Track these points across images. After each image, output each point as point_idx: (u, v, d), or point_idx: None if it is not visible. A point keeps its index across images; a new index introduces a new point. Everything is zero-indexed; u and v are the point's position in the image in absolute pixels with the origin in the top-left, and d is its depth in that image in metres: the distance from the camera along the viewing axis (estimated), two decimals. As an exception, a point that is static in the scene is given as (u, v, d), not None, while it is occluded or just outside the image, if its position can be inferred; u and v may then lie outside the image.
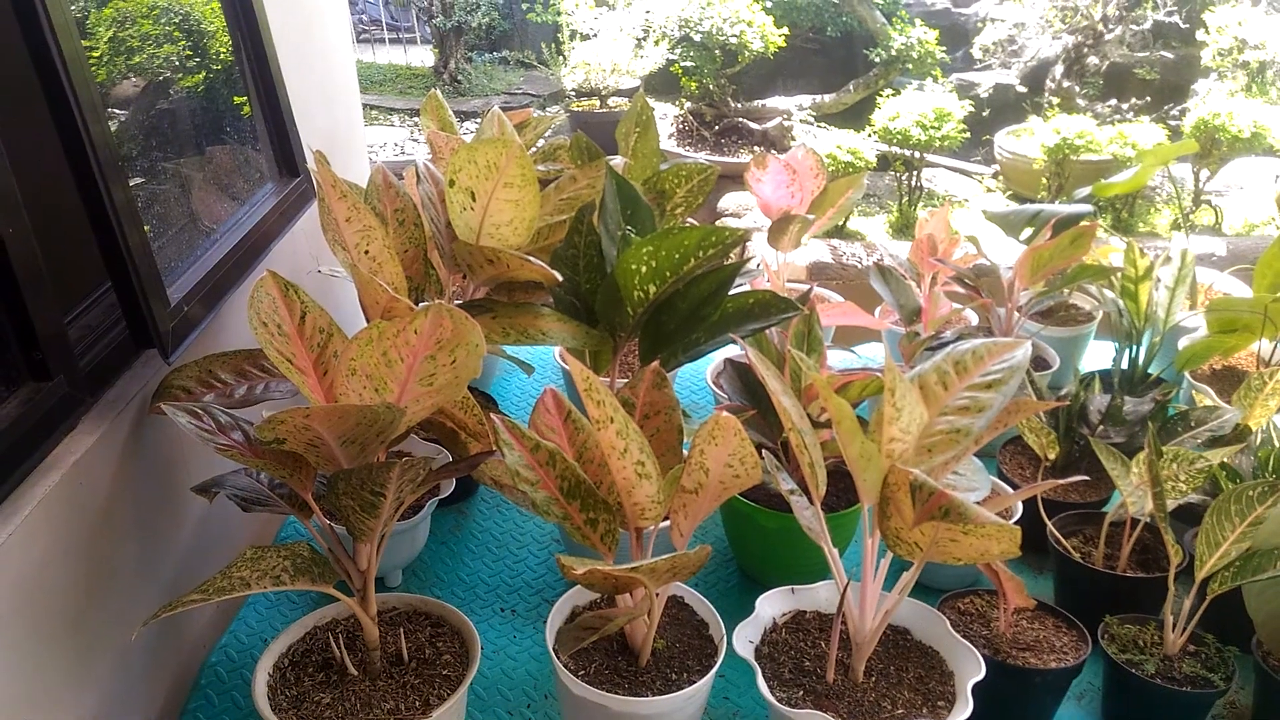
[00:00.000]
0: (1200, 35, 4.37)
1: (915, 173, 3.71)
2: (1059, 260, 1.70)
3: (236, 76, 1.71)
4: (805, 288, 2.21)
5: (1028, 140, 3.78)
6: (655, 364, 1.18)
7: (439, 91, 1.90)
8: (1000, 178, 4.05)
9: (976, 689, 1.16)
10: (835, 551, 1.08)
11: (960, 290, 1.85)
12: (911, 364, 1.69)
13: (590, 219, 1.42)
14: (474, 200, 1.32)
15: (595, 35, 4.74)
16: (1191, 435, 1.51)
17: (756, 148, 4.23)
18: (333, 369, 1.02)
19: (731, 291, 1.36)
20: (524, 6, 5.52)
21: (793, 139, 4.17)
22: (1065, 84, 4.04)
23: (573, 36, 4.82)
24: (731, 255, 1.39)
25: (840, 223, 3.74)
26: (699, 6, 4.09)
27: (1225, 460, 1.43)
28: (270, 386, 1.24)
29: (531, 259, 1.31)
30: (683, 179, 1.67)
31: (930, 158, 4.06)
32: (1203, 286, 2.06)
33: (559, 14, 4.94)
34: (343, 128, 2.21)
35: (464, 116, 5.15)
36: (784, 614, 1.20)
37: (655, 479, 0.99)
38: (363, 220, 1.24)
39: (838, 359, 2.04)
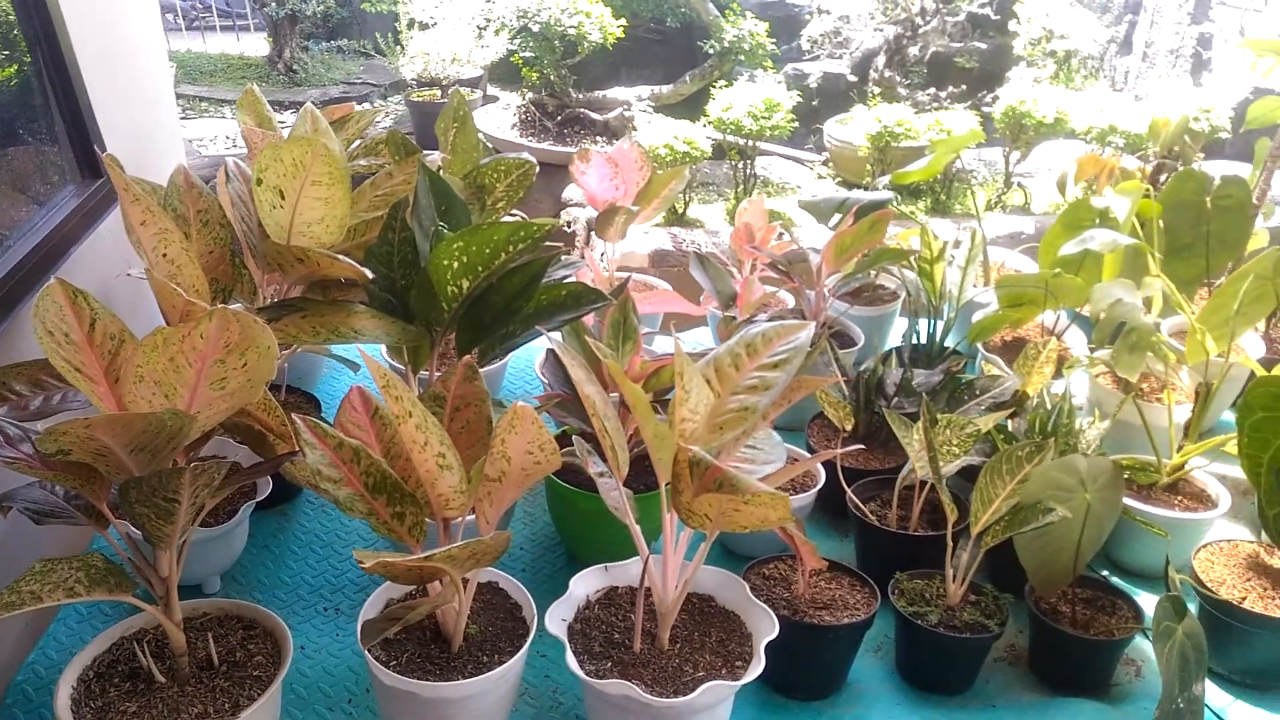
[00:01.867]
0: (1012, 26, 4.66)
1: (750, 161, 3.84)
2: (860, 245, 1.82)
3: (30, 74, 1.64)
4: (645, 276, 2.28)
5: (853, 128, 3.96)
6: (467, 358, 1.21)
7: (256, 86, 1.86)
8: (831, 164, 4.22)
9: (779, 647, 1.25)
10: (638, 528, 1.14)
11: (775, 275, 1.95)
12: (728, 347, 1.78)
13: (404, 215, 1.44)
14: (283, 199, 1.32)
15: (435, 24, 4.69)
16: (976, 403, 1.65)
17: (599, 138, 4.28)
18: (124, 376, 1.01)
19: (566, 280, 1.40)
20: (361, -6, 5.40)
21: (634, 129, 4.24)
22: (887, 74, 4.25)
23: (411, 25, 4.75)
24: (571, 247, 1.43)
25: (680, 210, 3.84)
26: (536, -3, 4.11)
27: (1006, 424, 1.57)
28: (68, 396, 1.21)
29: (341, 257, 1.32)
30: (502, 173, 1.70)
31: (764, 146, 4.20)
32: (996, 264, 2.22)
33: (396, 2, 4.86)
34: (155, 125, 2.14)
35: (299, 108, 5.01)
36: (598, 591, 1.26)
37: (457, 469, 1.02)
38: (159, 223, 1.22)
39: (668, 344, 2.11)
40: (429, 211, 1.42)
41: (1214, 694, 1.33)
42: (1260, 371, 1.47)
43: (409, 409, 1.01)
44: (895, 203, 3.91)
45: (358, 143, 1.83)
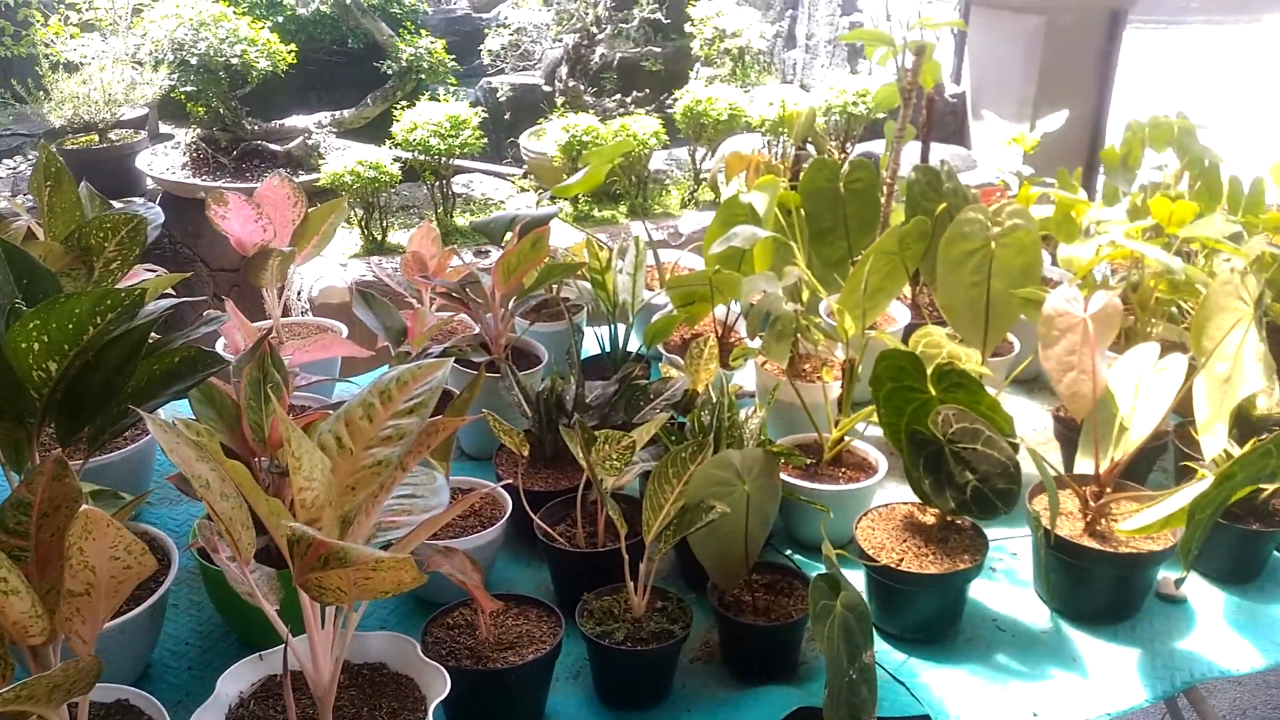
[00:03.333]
0: (688, 28, 4.85)
1: (446, 180, 3.76)
2: (526, 264, 1.79)
3: None
4: (323, 319, 2.14)
5: (546, 140, 3.97)
6: (56, 453, 1.06)
7: None
8: (531, 177, 4.22)
9: (465, 701, 1.19)
10: (274, 610, 1.04)
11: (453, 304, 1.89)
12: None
13: (-18, 294, 1.25)
14: None
15: (84, 63, 4.25)
16: (652, 406, 1.67)
17: (282, 169, 4.05)
18: None
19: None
20: (-8, 37, 4.82)
21: (321, 157, 4.04)
22: (571, 83, 4.30)
23: (55, 67, 4.29)
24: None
25: (379, 238, 3.70)
26: (191, 28, 3.82)
27: (684, 424, 1.59)
28: None
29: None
30: (109, 231, 1.52)
31: (463, 163, 4.13)
32: (670, 264, 2.28)
33: (33, 45, 4.37)
34: None
35: (-68, 167, 4.40)
36: (252, 684, 1.14)
37: (25, 592, 0.89)
38: None
39: (344, 390, 2.00)
40: (6, 287, 1.24)
41: (888, 656, 1.40)
42: (894, 344, 1.57)
43: (-45, 531, 0.86)
44: (573, 209, 3.96)
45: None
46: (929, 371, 1.35)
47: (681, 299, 1.98)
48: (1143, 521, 1.31)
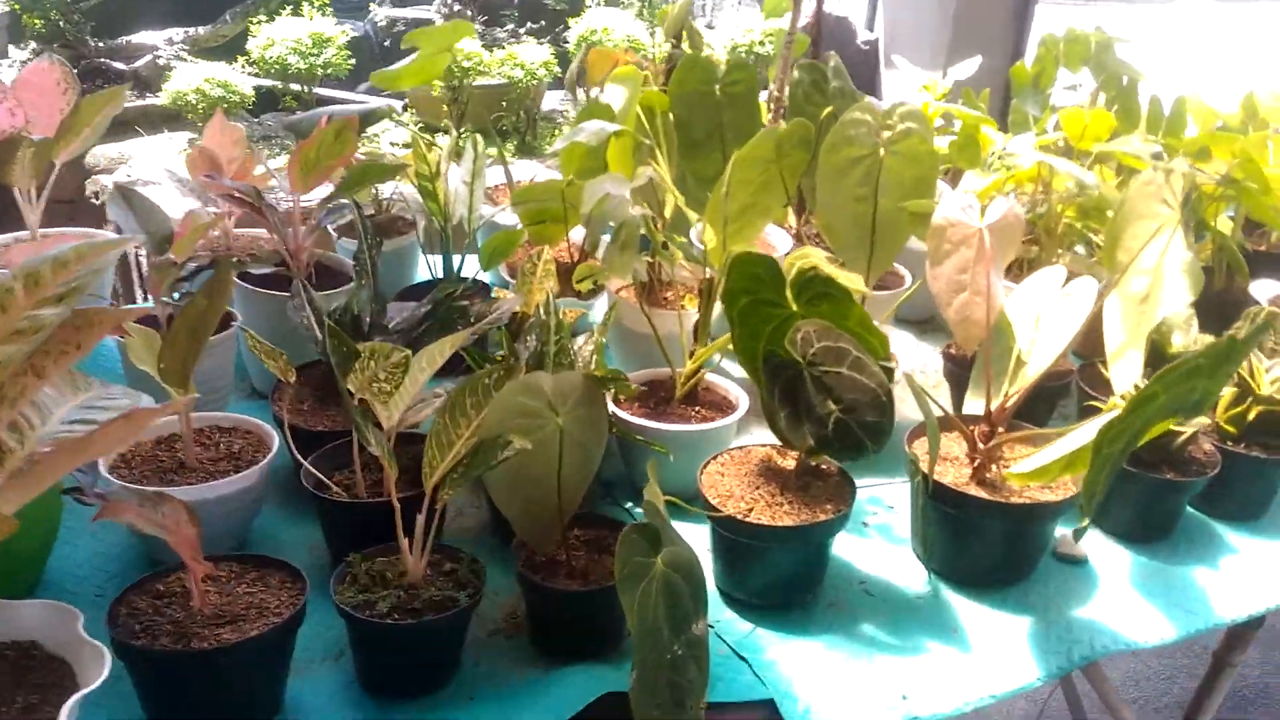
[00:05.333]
0: (593, -36, 4.53)
1: (307, 108, 3.38)
2: (329, 159, 1.48)
3: None
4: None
5: (426, 67, 3.62)
6: None
7: None
8: (411, 110, 3.86)
9: (162, 693, 0.90)
10: None
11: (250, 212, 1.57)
12: (164, 298, 1.38)
13: None
14: None
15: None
16: (472, 330, 1.38)
17: (130, 90, 3.63)
18: None
19: None
20: None
21: (169, 76, 3.63)
22: (456, 7, 3.95)
23: None
24: None
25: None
26: (21, -75, 3.37)
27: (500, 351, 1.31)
28: None
29: None
30: None
31: (333, 93, 3.76)
32: (522, 181, 1.98)
33: None
34: None
35: None
36: None
37: None
38: None
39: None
40: None
41: (733, 626, 1.15)
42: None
43: None
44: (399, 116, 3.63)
45: None
46: (788, 280, 1.09)
47: (530, 216, 1.69)
48: (1039, 462, 1.07)
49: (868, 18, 4.54)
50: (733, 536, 1.14)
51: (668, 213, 1.55)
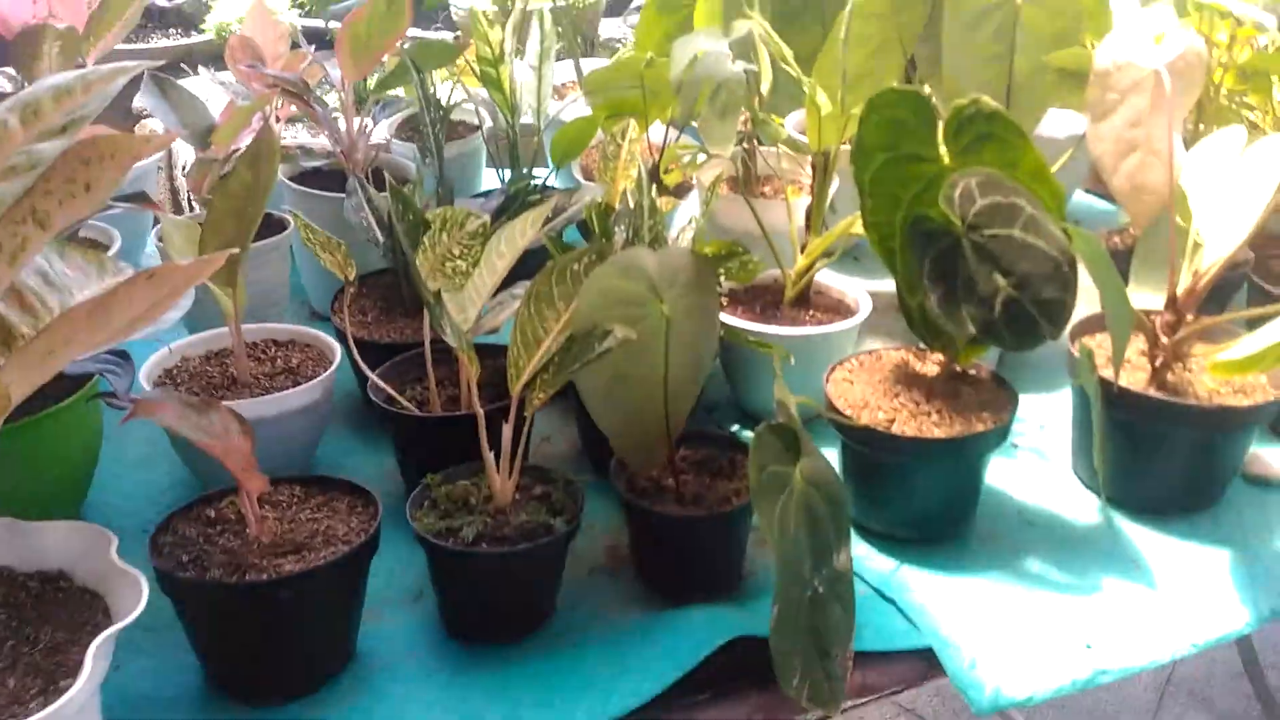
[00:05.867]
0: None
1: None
2: (382, 37, 1.30)
3: None
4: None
5: (477, -13, 3.43)
6: None
7: None
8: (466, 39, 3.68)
9: (211, 629, 0.76)
10: None
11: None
12: (207, 195, 1.23)
13: None
14: None
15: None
16: (550, 226, 1.21)
17: (174, 30, 3.50)
18: None
19: None
20: None
21: (209, 6, 3.48)
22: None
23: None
24: None
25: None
26: None
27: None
28: None
29: None
30: None
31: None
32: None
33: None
34: None
35: None
36: None
37: None
38: None
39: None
40: None
41: (870, 563, 0.97)
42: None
43: None
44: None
45: None
46: (943, 122, 0.90)
47: (606, 108, 1.50)
48: (1251, 348, 0.87)
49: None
50: (870, 454, 0.96)
51: (765, 88, 1.34)
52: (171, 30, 3.55)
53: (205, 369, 1.09)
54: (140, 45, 3.45)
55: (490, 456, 0.88)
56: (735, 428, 1.18)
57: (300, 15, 3.19)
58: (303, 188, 1.37)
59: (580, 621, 0.91)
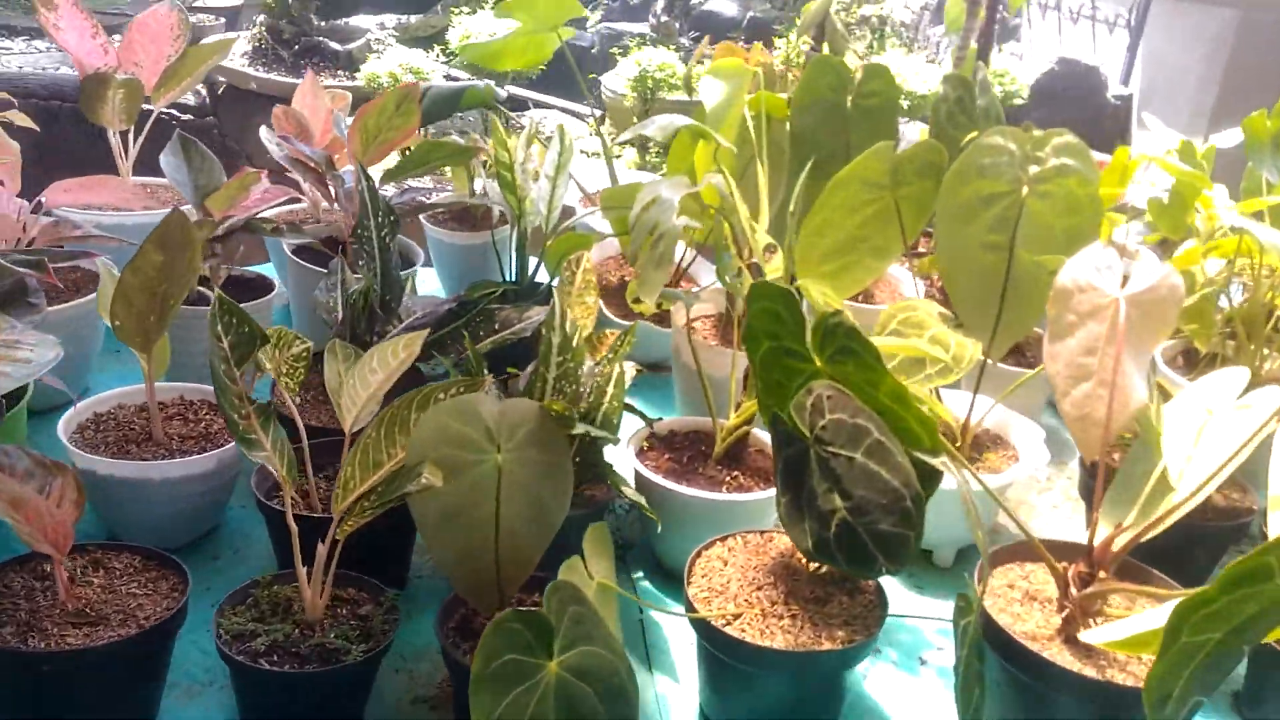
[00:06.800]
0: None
1: (494, 107, 3.35)
2: (391, 132, 1.36)
3: None
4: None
5: (622, 78, 3.53)
6: None
7: None
8: (608, 120, 3.78)
9: None
10: None
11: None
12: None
13: None
14: None
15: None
16: (494, 340, 1.20)
17: (340, 70, 3.76)
18: None
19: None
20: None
21: (373, 55, 3.73)
22: (664, 19, 3.84)
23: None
24: None
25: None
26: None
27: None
28: None
29: None
30: None
31: (542, 97, 3.74)
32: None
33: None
34: None
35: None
36: None
37: None
38: None
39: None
40: None
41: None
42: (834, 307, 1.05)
43: None
44: (639, 159, 3.50)
45: None
46: (810, 328, 0.83)
47: (621, 223, 1.50)
48: (1137, 628, 0.76)
49: (1124, 70, 4.03)
50: (713, 650, 0.89)
51: (759, 235, 1.30)
52: (340, 73, 3.82)
53: (133, 420, 1.13)
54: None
55: (303, 570, 0.87)
56: (640, 574, 1.13)
57: (444, 65, 3.37)
58: (301, 261, 1.43)
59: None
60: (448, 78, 3.29)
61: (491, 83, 1.69)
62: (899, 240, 1.26)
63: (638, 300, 1.32)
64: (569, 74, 4.19)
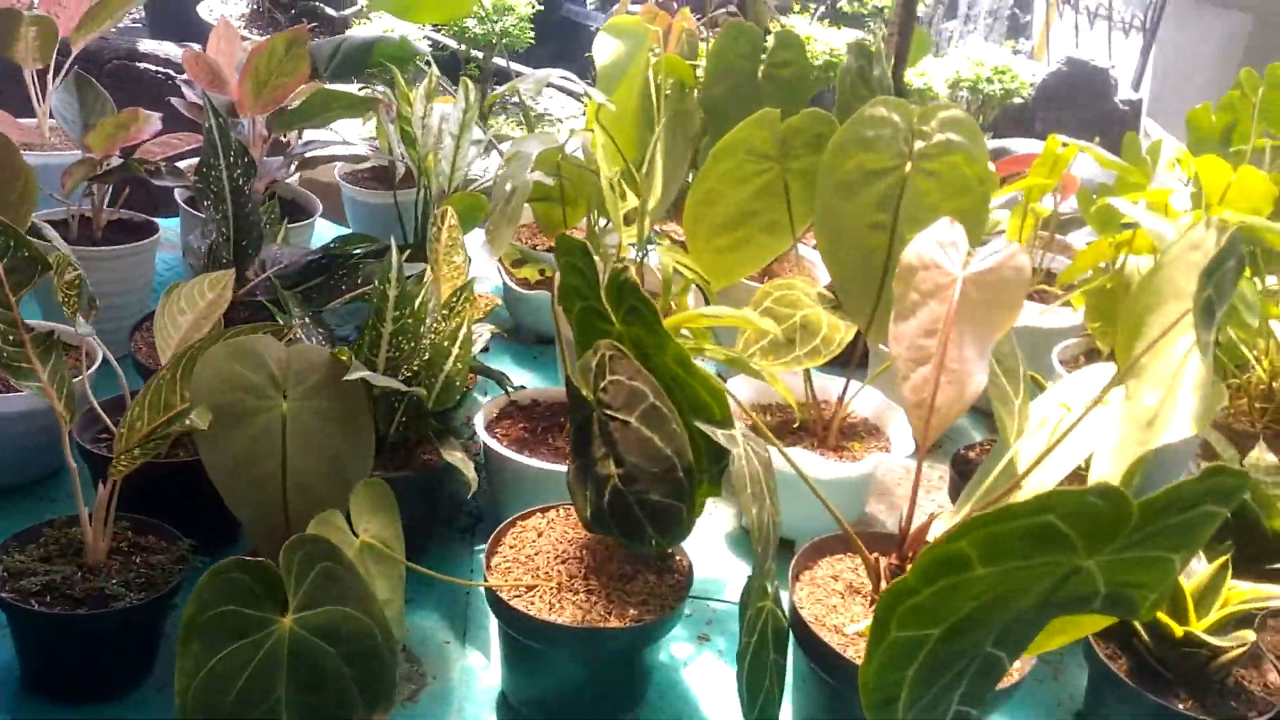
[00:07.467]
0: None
1: (485, 78, 3.32)
2: (282, 75, 1.32)
3: None
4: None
5: (612, 52, 3.48)
6: None
7: None
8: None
9: None
10: None
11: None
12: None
13: None
14: None
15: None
16: (354, 295, 1.17)
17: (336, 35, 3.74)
18: None
19: None
20: None
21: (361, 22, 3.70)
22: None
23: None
24: None
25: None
26: None
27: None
28: None
29: None
30: None
31: (523, 68, 3.69)
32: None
33: None
34: None
35: None
36: None
37: None
38: None
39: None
40: None
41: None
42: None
43: None
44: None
45: None
46: (604, 282, 0.79)
47: (537, 191, 1.46)
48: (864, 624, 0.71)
49: (1135, 74, 3.92)
50: (506, 626, 0.85)
51: (652, 203, 1.25)
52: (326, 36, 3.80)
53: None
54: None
55: (84, 510, 0.84)
56: (482, 547, 1.09)
57: (433, 35, 3.33)
58: (188, 208, 1.41)
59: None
60: (435, 45, 3.25)
61: (408, 35, 1.64)
62: (784, 214, 1.21)
63: (518, 264, 1.29)
64: (570, 49, 4.17)
